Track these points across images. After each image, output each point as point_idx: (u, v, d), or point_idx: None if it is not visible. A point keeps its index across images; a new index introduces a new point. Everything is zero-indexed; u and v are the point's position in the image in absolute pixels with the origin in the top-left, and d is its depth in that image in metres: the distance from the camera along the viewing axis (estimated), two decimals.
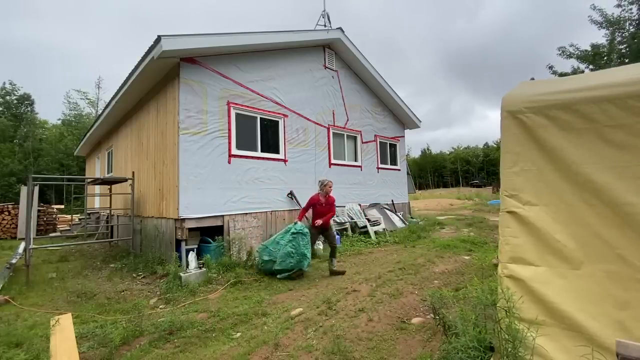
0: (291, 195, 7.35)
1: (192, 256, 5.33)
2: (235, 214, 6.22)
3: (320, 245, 6.42)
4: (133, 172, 7.19)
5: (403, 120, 11.86)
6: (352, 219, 8.36)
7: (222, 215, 6.04)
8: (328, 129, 8.65)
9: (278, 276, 5.05)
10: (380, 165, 10.48)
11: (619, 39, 14.04)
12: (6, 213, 11.64)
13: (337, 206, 8.70)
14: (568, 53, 15.00)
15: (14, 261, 6.06)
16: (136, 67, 5.93)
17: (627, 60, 13.31)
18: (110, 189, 8.56)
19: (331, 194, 5.55)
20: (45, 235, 11.63)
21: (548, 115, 2.07)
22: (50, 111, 53.77)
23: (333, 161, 8.68)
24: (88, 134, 11.28)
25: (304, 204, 7.60)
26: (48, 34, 76.06)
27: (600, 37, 14.75)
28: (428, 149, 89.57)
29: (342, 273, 5.08)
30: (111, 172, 10.22)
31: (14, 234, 11.48)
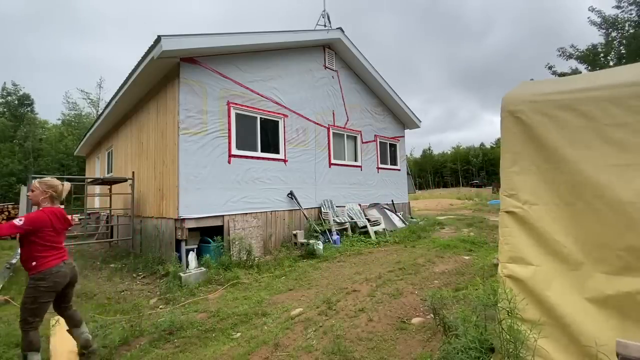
0: (291, 195, 7.35)
1: (192, 256, 5.33)
2: (235, 214, 6.22)
3: (320, 245, 6.41)
4: (133, 172, 7.19)
5: (403, 120, 11.86)
6: (352, 219, 8.36)
7: (222, 215, 6.04)
8: (328, 129, 8.65)
9: None
10: (380, 165, 10.48)
11: (617, 39, 14.07)
12: (6, 213, 11.63)
13: (337, 206, 8.76)
14: (568, 54, 15.02)
15: (14, 261, 6.06)
16: (136, 67, 5.93)
17: (624, 61, 13.34)
18: (110, 189, 8.55)
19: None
20: None
21: (548, 114, 2.07)
22: (50, 111, 53.81)
23: (333, 161, 8.68)
24: (88, 134, 11.29)
25: (304, 204, 7.64)
26: (53, 37, 76.22)
27: (598, 38, 14.78)
28: (429, 149, 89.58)
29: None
30: (111, 172, 10.22)
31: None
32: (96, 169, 13.00)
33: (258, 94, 6.95)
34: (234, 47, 6.34)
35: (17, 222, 2.44)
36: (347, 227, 8.01)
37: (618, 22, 13.75)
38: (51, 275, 2.52)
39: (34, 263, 2.53)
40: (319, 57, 8.66)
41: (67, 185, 2.81)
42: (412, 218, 11.27)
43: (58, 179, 2.84)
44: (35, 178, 2.88)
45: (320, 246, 6.41)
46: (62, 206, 2.86)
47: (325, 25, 9.65)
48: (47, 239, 2.55)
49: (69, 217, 2.83)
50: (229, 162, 6.26)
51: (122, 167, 8.88)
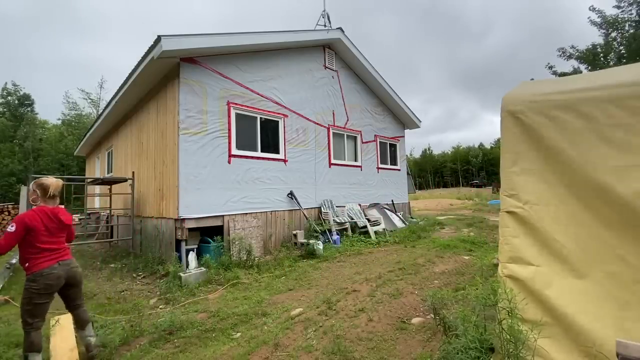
0: (291, 195, 7.35)
1: (192, 256, 5.33)
2: (235, 214, 6.22)
3: (320, 245, 6.41)
4: (133, 172, 7.19)
5: (403, 120, 11.86)
6: (352, 219, 8.36)
7: (222, 215, 6.04)
8: (328, 129, 8.65)
9: None
10: (380, 165, 10.48)
11: (618, 39, 14.09)
12: (6, 213, 11.64)
13: (337, 206, 8.76)
14: (568, 54, 15.03)
15: (14, 261, 6.06)
16: (136, 67, 5.93)
17: (624, 61, 13.35)
18: (110, 189, 8.55)
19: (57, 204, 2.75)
20: None
21: (548, 115, 2.07)
22: (50, 111, 53.81)
23: (333, 161, 8.68)
24: (88, 134, 11.29)
25: (304, 204, 7.64)
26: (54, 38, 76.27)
27: (598, 38, 14.78)
28: (429, 149, 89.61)
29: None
30: (111, 172, 10.22)
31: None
32: (96, 169, 13.00)
33: (258, 94, 6.95)
34: (234, 47, 6.34)
35: (10, 229, 2.42)
36: (347, 227, 8.01)
37: (618, 22, 13.75)
38: (42, 277, 2.47)
39: (27, 264, 2.50)
40: (319, 57, 8.65)
41: (54, 182, 2.68)
42: (412, 218, 11.27)
43: (58, 179, 2.83)
44: (35, 178, 2.87)
45: (320, 246, 6.41)
46: (63, 206, 2.83)
47: (325, 25, 9.65)
48: (39, 239, 2.49)
49: (70, 215, 2.80)
50: (229, 162, 6.26)
51: (122, 167, 8.88)
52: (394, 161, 11.39)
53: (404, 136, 11.99)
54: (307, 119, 8.08)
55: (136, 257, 6.45)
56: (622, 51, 13.84)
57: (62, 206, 2.82)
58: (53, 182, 2.68)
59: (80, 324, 2.78)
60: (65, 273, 2.63)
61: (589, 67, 14.52)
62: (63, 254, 2.66)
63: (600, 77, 2.16)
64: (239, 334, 3.16)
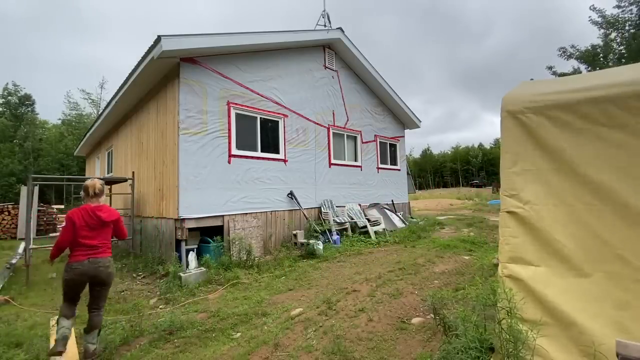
0: (291, 195, 7.35)
1: (192, 256, 5.33)
2: (235, 214, 6.22)
3: (320, 245, 6.41)
4: (133, 172, 7.19)
5: (403, 120, 11.86)
6: (352, 219, 8.36)
7: (222, 215, 6.04)
8: (328, 129, 8.65)
9: None
10: (380, 165, 10.48)
11: (618, 39, 14.10)
12: (6, 213, 11.64)
13: (337, 206, 8.75)
14: (568, 54, 15.04)
15: (14, 261, 6.07)
16: (136, 67, 5.93)
17: (623, 61, 13.35)
18: (110, 189, 8.55)
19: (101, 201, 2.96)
20: (45, 235, 11.61)
21: (548, 115, 2.07)
22: (50, 111, 53.79)
23: (333, 161, 8.68)
24: (88, 134, 11.29)
25: (304, 204, 7.64)
26: (53, 38, 76.31)
27: (598, 38, 14.76)
28: (428, 149, 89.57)
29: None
30: (111, 172, 10.22)
31: (14, 234, 11.47)
32: (96, 169, 12.99)
33: (258, 94, 6.95)
34: (234, 47, 6.34)
35: (63, 224, 2.75)
36: (347, 227, 8.01)
37: (618, 21, 13.76)
38: (70, 270, 2.68)
39: (69, 255, 2.76)
40: (319, 57, 8.66)
41: (90, 182, 2.90)
42: (412, 218, 11.27)
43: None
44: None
45: (320, 246, 6.41)
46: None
47: (325, 25, 9.65)
48: (79, 234, 2.71)
49: (114, 212, 2.97)
50: (229, 162, 6.26)
51: (122, 167, 8.87)
52: (394, 161, 11.39)
53: (404, 136, 11.99)
54: (307, 119, 8.09)
55: (136, 257, 6.44)
56: (622, 51, 13.85)
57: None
58: (89, 182, 2.91)
59: (87, 327, 2.79)
60: (91, 271, 2.74)
61: (589, 67, 14.53)
62: (99, 251, 2.82)
63: (600, 77, 2.16)
64: (239, 334, 3.16)
